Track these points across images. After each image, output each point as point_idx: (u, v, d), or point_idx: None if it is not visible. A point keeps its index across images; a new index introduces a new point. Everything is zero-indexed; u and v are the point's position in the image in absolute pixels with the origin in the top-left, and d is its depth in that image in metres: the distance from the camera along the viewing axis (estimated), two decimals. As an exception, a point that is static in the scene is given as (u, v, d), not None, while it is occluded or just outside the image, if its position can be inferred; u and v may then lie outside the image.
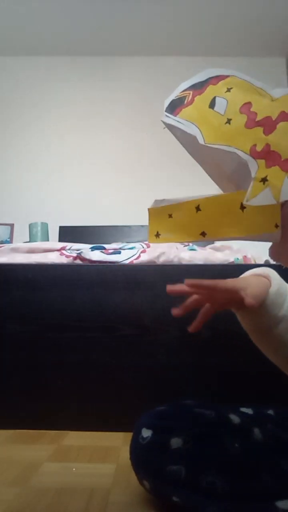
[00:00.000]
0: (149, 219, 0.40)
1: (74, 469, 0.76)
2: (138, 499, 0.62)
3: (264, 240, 0.35)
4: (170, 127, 0.39)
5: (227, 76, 0.39)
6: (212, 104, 0.37)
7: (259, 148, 0.32)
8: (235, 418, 0.63)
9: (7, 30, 2.56)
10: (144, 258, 1.11)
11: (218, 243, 1.24)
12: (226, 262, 1.09)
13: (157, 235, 0.39)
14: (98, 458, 0.81)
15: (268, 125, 0.33)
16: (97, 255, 1.11)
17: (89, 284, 1.06)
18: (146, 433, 0.57)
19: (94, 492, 0.65)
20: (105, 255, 1.11)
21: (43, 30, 2.56)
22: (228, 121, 0.35)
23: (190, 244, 1.40)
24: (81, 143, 2.72)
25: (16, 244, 1.21)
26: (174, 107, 0.39)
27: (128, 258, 1.11)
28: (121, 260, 1.10)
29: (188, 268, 1.06)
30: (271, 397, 0.89)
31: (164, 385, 1.01)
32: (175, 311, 0.52)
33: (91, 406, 1.01)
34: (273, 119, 0.33)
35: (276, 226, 0.32)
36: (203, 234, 0.35)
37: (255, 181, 0.31)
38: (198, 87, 0.39)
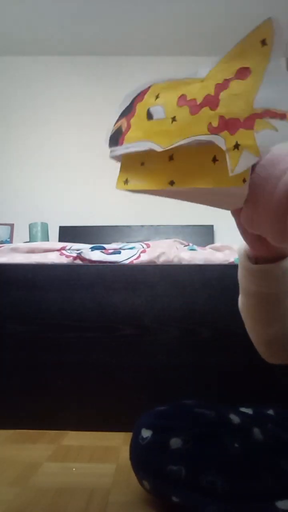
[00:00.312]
0: (121, 165, 0.39)
1: (74, 469, 0.76)
2: (138, 499, 0.62)
3: (231, 201, 0.34)
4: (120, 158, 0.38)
5: (148, 88, 0.39)
6: (150, 117, 0.37)
7: (215, 124, 0.32)
8: (235, 418, 0.63)
9: (7, 30, 2.57)
10: (144, 258, 1.11)
11: (218, 244, 1.24)
12: (226, 262, 1.09)
13: (126, 181, 0.37)
14: (98, 458, 0.81)
15: (211, 101, 0.33)
16: (97, 255, 1.11)
17: (89, 284, 1.06)
18: (146, 433, 0.57)
19: (94, 492, 0.65)
20: (105, 255, 1.11)
21: (43, 30, 2.56)
22: (173, 119, 0.34)
23: (190, 244, 1.40)
24: (81, 143, 2.72)
25: (16, 244, 1.21)
26: (116, 139, 0.39)
27: (128, 258, 1.11)
28: (121, 260, 1.10)
29: (188, 268, 1.06)
30: (271, 397, 0.89)
31: (164, 385, 1.01)
32: None
33: (91, 406, 1.01)
34: (213, 95, 0.33)
35: (244, 180, 0.31)
36: (171, 183, 0.34)
37: (229, 151, 0.31)
38: (128, 112, 0.39)
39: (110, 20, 2.47)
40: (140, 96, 0.39)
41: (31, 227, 1.72)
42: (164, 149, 0.34)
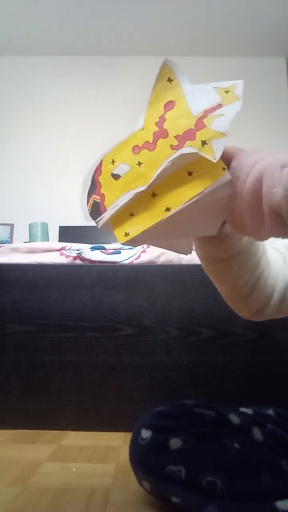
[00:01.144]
0: (114, 229, 0.40)
1: (74, 469, 0.76)
2: (138, 499, 0.62)
3: (220, 193, 0.36)
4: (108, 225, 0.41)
5: (101, 162, 0.43)
6: (116, 177, 0.40)
7: (175, 144, 0.36)
8: (235, 418, 0.63)
9: (7, 30, 2.56)
10: (144, 258, 1.11)
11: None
12: (226, 262, 1.09)
13: (126, 234, 0.39)
14: (98, 458, 0.81)
15: (160, 135, 0.38)
16: (97, 255, 1.11)
17: (89, 284, 1.06)
18: (146, 433, 0.57)
19: (94, 492, 0.65)
20: (105, 255, 1.11)
21: (43, 30, 2.56)
22: (139, 164, 0.38)
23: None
24: (81, 143, 2.72)
25: (16, 244, 1.21)
26: (97, 212, 0.41)
27: (128, 258, 1.11)
28: (121, 260, 1.10)
29: (188, 268, 1.06)
30: (271, 397, 0.89)
31: (164, 385, 1.01)
32: None
33: (91, 406, 1.01)
34: (158, 130, 0.38)
35: (224, 168, 0.35)
36: (167, 209, 0.36)
37: (201, 150, 0.34)
38: (94, 189, 0.43)
39: (110, 20, 2.46)
40: (97, 172, 0.43)
41: (31, 227, 1.72)
42: (147, 186, 0.37)
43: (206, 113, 0.36)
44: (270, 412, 0.68)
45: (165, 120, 0.38)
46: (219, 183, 0.35)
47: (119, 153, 0.41)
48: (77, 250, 1.15)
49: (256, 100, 2.74)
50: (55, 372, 1.03)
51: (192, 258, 1.11)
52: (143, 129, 0.40)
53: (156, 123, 0.39)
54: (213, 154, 0.34)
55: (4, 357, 1.04)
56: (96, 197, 0.42)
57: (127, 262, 1.10)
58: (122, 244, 0.40)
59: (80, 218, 2.52)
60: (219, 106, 0.36)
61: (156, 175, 0.37)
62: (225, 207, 0.37)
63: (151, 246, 1.16)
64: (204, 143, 0.34)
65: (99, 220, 0.41)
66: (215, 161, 0.34)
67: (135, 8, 2.38)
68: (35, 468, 0.75)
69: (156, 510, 0.58)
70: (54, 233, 2.22)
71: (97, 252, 1.12)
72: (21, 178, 2.68)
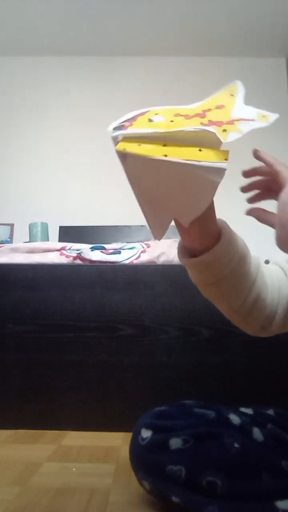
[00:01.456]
0: (121, 140, 0.45)
1: (74, 469, 0.76)
2: (138, 499, 0.62)
3: (212, 176, 0.40)
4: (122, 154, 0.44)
5: (148, 110, 0.48)
6: (150, 121, 0.45)
7: (205, 123, 0.42)
8: (235, 418, 0.63)
9: (7, 30, 2.56)
10: (144, 258, 1.11)
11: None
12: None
13: (124, 149, 0.43)
14: (98, 458, 0.81)
15: (200, 115, 0.44)
16: (97, 255, 1.11)
17: (89, 284, 1.06)
18: (146, 433, 0.57)
19: (94, 492, 0.65)
20: (105, 255, 1.11)
21: (43, 30, 2.56)
22: (171, 121, 0.43)
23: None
24: (81, 143, 2.72)
25: (16, 244, 1.21)
26: (119, 128, 0.46)
27: (128, 258, 1.11)
28: (121, 260, 1.10)
29: (188, 268, 1.06)
30: (271, 397, 0.89)
31: (164, 385, 1.01)
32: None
33: (91, 406, 1.01)
34: (201, 113, 0.45)
35: (226, 159, 0.40)
36: (164, 156, 0.41)
37: (219, 132, 0.40)
38: (130, 120, 0.47)
39: (110, 20, 2.46)
40: (141, 113, 0.48)
41: (31, 227, 1.72)
42: (164, 131, 0.42)
43: (241, 119, 0.44)
44: (270, 412, 0.68)
45: (210, 110, 0.46)
46: (215, 165, 0.39)
47: (165, 111, 0.47)
48: (77, 250, 1.15)
49: (256, 100, 2.74)
50: (55, 372, 1.03)
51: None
52: (193, 109, 0.46)
53: (202, 110, 0.46)
54: (225, 138, 0.40)
55: (4, 357, 1.04)
56: (126, 124, 0.46)
57: (127, 262, 1.10)
58: (116, 150, 0.43)
59: (80, 218, 2.53)
60: (252, 120, 0.44)
61: (175, 129, 0.41)
62: (211, 196, 0.42)
63: (151, 246, 1.16)
64: (224, 130, 0.41)
65: (115, 131, 0.45)
66: (223, 141, 0.39)
67: (135, 8, 2.38)
68: (35, 468, 0.75)
69: (156, 510, 0.58)
70: (54, 233, 2.22)
71: (97, 252, 1.12)
72: (21, 178, 2.68)
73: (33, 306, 1.05)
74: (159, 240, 0.47)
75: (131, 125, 0.45)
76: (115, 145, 0.44)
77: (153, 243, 1.21)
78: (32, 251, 1.16)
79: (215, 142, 0.41)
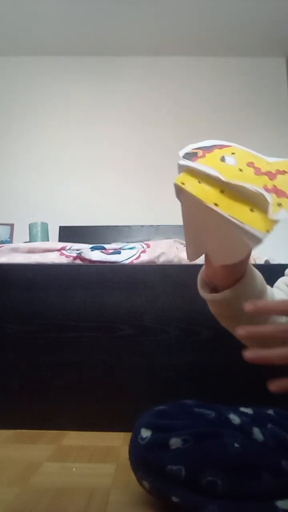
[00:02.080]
0: (183, 173, 0.47)
1: (74, 469, 0.76)
2: (138, 499, 0.62)
3: (249, 240, 0.42)
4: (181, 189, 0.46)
5: (229, 145, 0.49)
6: (222, 159, 0.46)
7: (269, 187, 0.43)
8: (235, 418, 0.63)
9: (7, 30, 2.57)
10: (144, 258, 1.11)
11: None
12: (226, 262, 1.09)
13: (183, 183, 0.45)
14: (98, 458, 0.81)
15: (270, 175, 0.44)
16: (97, 255, 1.11)
17: (89, 284, 1.06)
18: (146, 433, 0.57)
19: (94, 492, 0.65)
20: (105, 255, 1.11)
21: (43, 30, 2.56)
22: (240, 170, 0.45)
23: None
24: (81, 143, 2.72)
25: (16, 244, 1.21)
26: (190, 157, 0.47)
27: (128, 258, 1.11)
28: (121, 260, 1.10)
29: (188, 268, 1.06)
30: (271, 397, 0.89)
31: (164, 385, 1.01)
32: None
33: (91, 406, 1.01)
34: (273, 173, 0.45)
35: (268, 231, 0.41)
36: (215, 204, 0.43)
37: (273, 205, 0.41)
38: (206, 149, 0.48)
39: (110, 20, 2.47)
40: (219, 146, 0.49)
41: (31, 227, 1.72)
42: (226, 181, 0.44)
43: None
44: (270, 412, 0.68)
45: (284, 172, 0.46)
46: (255, 233, 0.41)
47: (242, 154, 0.48)
48: (77, 250, 1.15)
49: (256, 100, 2.74)
50: (55, 372, 1.03)
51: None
52: (268, 163, 0.47)
53: (277, 169, 0.46)
54: (274, 213, 0.41)
55: (4, 357, 1.04)
56: (199, 152, 0.48)
57: (127, 262, 1.10)
58: (174, 183, 0.45)
59: (80, 218, 2.53)
60: None
61: (236, 182, 0.43)
62: (244, 256, 0.44)
63: (151, 246, 1.16)
64: (279, 204, 0.41)
65: (184, 161, 0.47)
66: (270, 216, 0.40)
67: (135, 8, 2.38)
68: (35, 468, 0.75)
69: (156, 510, 0.58)
70: (54, 233, 2.23)
71: (97, 252, 1.12)
72: (21, 178, 2.68)
73: (33, 306, 1.05)
74: (189, 261, 0.51)
75: (203, 156, 0.47)
76: (179, 172, 0.47)
77: (153, 243, 1.21)
78: (32, 251, 1.16)
79: (267, 209, 0.42)
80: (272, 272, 0.66)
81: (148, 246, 1.16)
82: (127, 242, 1.36)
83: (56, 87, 2.80)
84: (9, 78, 2.81)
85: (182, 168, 0.47)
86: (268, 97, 2.75)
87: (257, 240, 0.42)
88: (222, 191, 0.44)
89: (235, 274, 0.50)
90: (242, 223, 0.41)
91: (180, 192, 0.46)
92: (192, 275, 1.05)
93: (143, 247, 1.16)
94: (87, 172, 2.67)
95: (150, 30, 2.56)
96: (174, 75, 2.79)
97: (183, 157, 0.48)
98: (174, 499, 0.52)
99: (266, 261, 1.16)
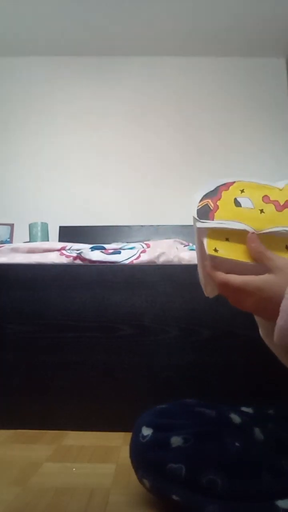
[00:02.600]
0: (207, 236, 0.46)
1: (74, 469, 0.76)
2: (138, 499, 0.62)
3: None
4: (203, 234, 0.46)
5: (233, 182, 0.48)
6: (237, 204, 0.45)
7: None
8: (235, 418, 0.63)
9: (7, 30, 2.57)
10: (144, 258, 1.11)
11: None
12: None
13: (215, 250, 0.45)
14: (98, 458, 0.81)
15: None
16: (97, 255, 1.11)
17: (89, 284, 1.06)
18: (146, 431, 0.57)
19: (94, 492, 0.65)
20: (105, 255, 1.11)
21: (43, 30, 2.56)
22: (261, 211, 0.44)
23: (190, 244, 1.40)
24: (81, 143, 2.72)
25: (16, 244, 1.21)
26: (205, 214, 0.46)
27: (128, 258, 1.11)
28: (121, 260, 1.10)
29: (188, 268, 1.06)
30: (272, 397, 0.89)
31: (164, 385, 1.01)
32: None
33: (91, 406, 1.01)
34: (287, 203, 0.44)
35: None
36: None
37: None
38: (213, 195, 0.47)
39: (110, 20, 2.46)
40: (225, 186, 0.48)
41: (31, 227, 1.72)
42: (257, 232, 0.43)
43: None
44: (271, 411, 0.68)
45: None
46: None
47: (251, 189, 0.47)
48: (77, 250, 1.15)
49: (256, 100, 2.74)
50: (55, 372, 1.03)
51: (192, 258, 1.11)
52: (281, 190, 0.46)
53: None
54: None
55: (4, 357, 1.04)
56: (210, 203, 0.47)
57: (127, 262, 1.10)
58: (208, 254, 0.45)
59: (80, 218, 2.53)
60: None
61: (269, 230, 0.43)
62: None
63: (151, 246, 1.16)
64: None
65: (203, 223, 0.46)
66: None
67: (135, 8, 2.38)
68: (35, 468, 0.75)
69: (156, 510, 0.58)
70: (54, 233, 2.22)
71: (97, 252, 1.12)
72: (21, 178, 2.68)
73: (33, 306, 1.05)
74: (210, 297, 0.55)
75: (216, 207, 0.46)
76: (198, 233, 0.46)
77: (153, 243, 1.21)
78: (32, 251, 1.16)
79: None
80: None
81: (148, 246, 1.16)
82: (127, 242, 1.36)
83: (56, 87, 2.79)
84: (9, 78, 2.81)
85: (204, 231, 0.46)
86: (268, 97, 2.75)
87: None
88: None
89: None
90: None
91: (215, 259, 0.46)
92: (192, 275, 1.05)
93: (143, 247, 1.16)
94: (88, 172, 2.67)
95: (150, 30, 2.56)
96: (174, 75, 2.79)
97: (197, 215, 0.46)
98: (174, 497, 0.52)
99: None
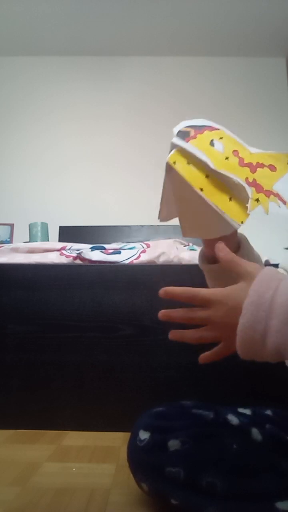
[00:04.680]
0: (175, 151, 0.50)
1: (74, 469, 0.76)
2: (137, 499, 0.62)
3: (222, 229, 0.49)
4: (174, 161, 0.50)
5: (218, 129, 0.53)
6: (212, 144, 0.50)
7: (250, 180, 0.47)
8: (233, 419, 0.63)
9: (7, 30, 2.56)
10: (144, 258, 1.11)
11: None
12: (226, 262, 1.09)
13: (175, 162, 0.49)
14: (98, 458, 0.82)
15: (251, 167, 0.49)
16: (97, 255, 1.11)
17: (89, 284, 1.06)
18: (144, 435, 0.57)
19: (94, 492, 0.65)
20: (105, 255, 1.11)
21: (43, 30, 2.56)
22: (227, 158, 0.49)
23: (190, 244, 1.40)
24: (81, 143, 2.72)
25: (16, 244, 1.21)
26: (183, 136, 0.50)
27: (128, 258, 1.11)
28: (121, 260, 1.10)
29: (188, 268, 1.06)
30: (270, 398, 0.89)
31: (164, 385, 1.01)
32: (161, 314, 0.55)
33: (91, 406, 1.01)
34: (254, 165, 0.49)
35: (242, 222, 0.47)
36: (201, 189, 0.48)
37: (252, 200, 0.46)
38: (198, 129, 0.52)
39: (110, 20, 2.46)
40: (211, 127, 0.53)
41: (31, 227, 1.72)
42: (213, 169, 0.47)
43: (277, 194, 0.49)
44: (269, 412, 0.68)
45: (261, 167, 0.50)
46: (231, 222, 0.47)
47: (228, 141, 0.51)
48: (77, 250, 1.15)
49: (256, 100, 2.74)
50: (55, 372, 1.03)
51: (192, 258, 1.11)
52: (251, 154, 0.51)
53: (257, 162, 0.50)
54: (252, 209, 0.46)
55: (4, 357, 1.04)
56: (192, 131, 0.51)
57: (127, 262, 1.10)
58: (167, 161, 0.49)
59: (80, 218, 2.53)
60: (284, 202, 0.49)
61: (223, 172, 0.47)
62: (222, 234, 0.50)
63: (151, 246, 1.16)
64: (257, 200, 0.47)
65: (179, 140, 0.50)
66: (248, 211, 0.46)
67: (135, 8, 2.38)
68: (35, 468, 0.75)
69: (156, 510, 0.58)
70: (54, 233, 2.23)
71: (97, 252, 1.12)
72: (21, 178, 2.68)
73: (33, 306, 1.06)
74: (160, 221, 0.59)
75: (194, 137, 0.50)
76: (170, 149, 0.50)
77: (153, 243, 1.21)
78: (32, 251, 1.16)
79: (246, 200, 0.47)
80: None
81: (148, 246, 1.16)
82: (127, 242, 1.36)
83: (56, 87, 2.79)
84: (9, 78, 2.81)
85: (175, 146, 0.50)
86: (268, 97, 2.75)
87: (232, 229, 0.48)
88: (207, 176, 0.48)
89: (229, 246, 0.51)
90: (222, 211, 0.46)
91: (170, 170, 0.50)
92: (192, 275, 1.05)
93: (143, 247, 1.16)
94: (88, 172, 2.67)
95: (150, 30, 2.56)
96: (174, 75, 2.79)
97: (177, 135, 0.51)
98: (174, 501, 0.52)
99: (266, 261, 1.16)
